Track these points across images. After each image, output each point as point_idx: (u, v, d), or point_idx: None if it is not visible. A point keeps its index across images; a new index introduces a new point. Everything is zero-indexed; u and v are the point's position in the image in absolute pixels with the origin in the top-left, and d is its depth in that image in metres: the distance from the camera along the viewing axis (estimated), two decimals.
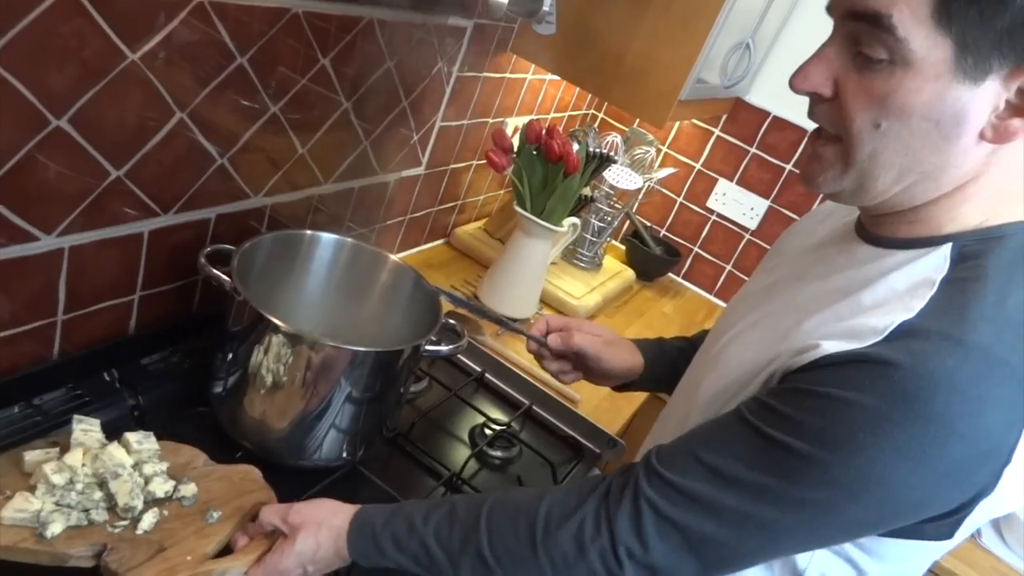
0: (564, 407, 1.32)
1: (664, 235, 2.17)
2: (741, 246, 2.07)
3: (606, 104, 2.13)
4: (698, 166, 2.06)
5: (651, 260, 2.06)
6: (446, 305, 1.05)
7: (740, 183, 2.02)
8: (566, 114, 1.97)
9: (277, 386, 0.90)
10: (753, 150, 1.98)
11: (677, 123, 2.05)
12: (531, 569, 0.70)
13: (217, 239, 1.02)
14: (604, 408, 1.42)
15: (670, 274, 2.16)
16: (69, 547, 0.73)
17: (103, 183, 0.85)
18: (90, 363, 0.95)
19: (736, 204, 2.04)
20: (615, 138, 1.89)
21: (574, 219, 1.52)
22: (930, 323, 0.59)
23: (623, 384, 1.08)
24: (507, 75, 1.57)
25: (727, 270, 2.11)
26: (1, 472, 0.77)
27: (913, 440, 0.55)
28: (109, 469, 0.79)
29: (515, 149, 1.45)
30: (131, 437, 0.84)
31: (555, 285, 1.72)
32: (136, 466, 0.82)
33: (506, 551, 0.70)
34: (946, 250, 0.64)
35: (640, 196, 1.99)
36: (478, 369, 1.35)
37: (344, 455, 0.99)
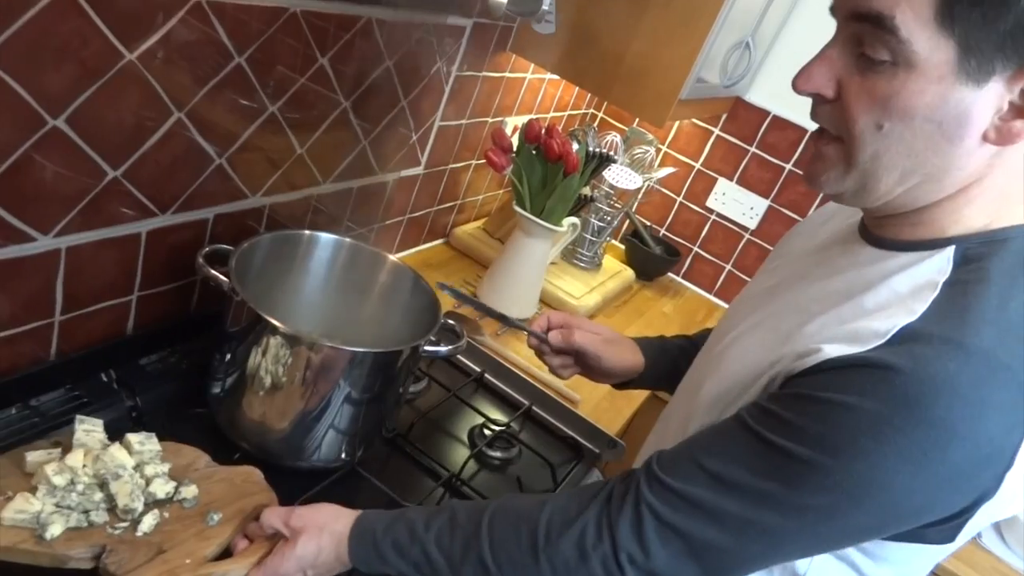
0: (564, 407, 1.32)
1: (664, 235, 2.16)
2: (741, 246, 2.07)
3: (606, 103, 2.13)
4: (698, 165, 2.06)
5: (651, 260, 2.06)
6: (445, 305, 1.05)
7: (740, 183, 2.02)
8: (565, 113, 1.96)
9: (276, 387, 0.90)
10: (753, 149, 1.97)
11: (677, 122, 2.04)
12: None
13: (215, 239, 1.02)
14: (604, 408, 1.42)
15: (670, 274, 2.16)
16: (69, 548, 0.73)
17: (100, 183, 0.84)
18: (88, 364, 0.95)
19: (736, 204, 2.03)
20: (615, 137, 1.89)
21: (574, 219, 1.51)
22: (932, 326, 0.58)
23: (623, 382, 1.07)
24: (506, 74, 1.57)
25: (727, 270, 2.11)
26: (3, 473, 0.77)
27: (915, 445, 0.55)
28: (110, 470, 0.79)
29: (514, 149, 1.44)
30: (133, 438, 0.84)
31: (555, 285, 1.71)
32: (138, 467, 0.82)
33: (508, 558, 0.70)
34: (949, 252, 0.63)
35: (640, 196, 1.99)
36: (477, 369, 1.34)
37: (343, 456, 0.98)
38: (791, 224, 1.96)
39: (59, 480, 0.76)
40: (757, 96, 1.93)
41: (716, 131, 2.01)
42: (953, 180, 0.62)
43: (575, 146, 1.44)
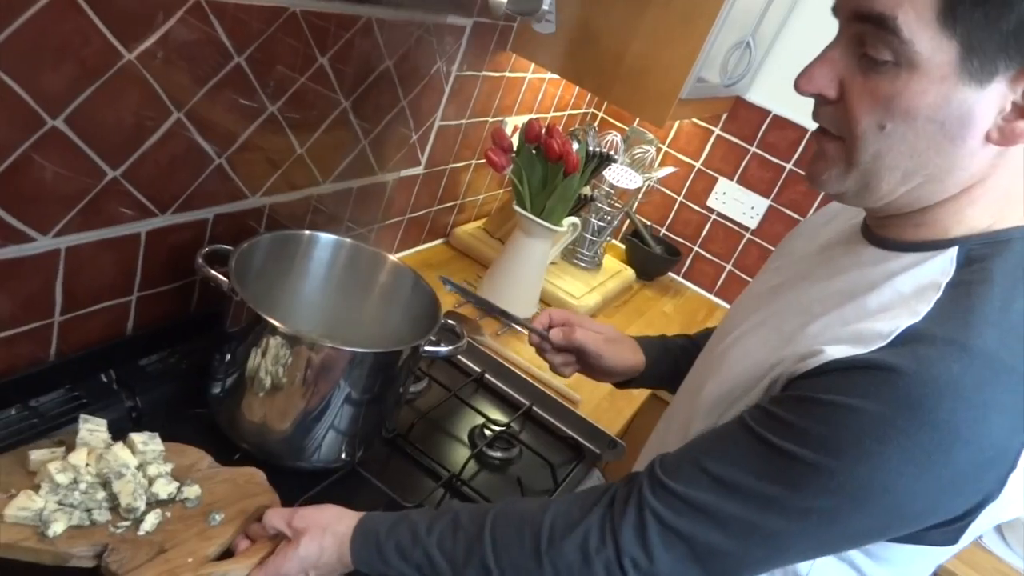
0: (564, 408, 1.32)
1: (664, 234, 2.16)
2: (741, 245, 2.06)
3: (606, 103, 2.12)
4: (698, 165, 2.06)
5: (651, 259, 2.06)
6: (445, 305, 1.05)
7: (740, 182, 2.01)
8: (566, 113, 1.96)
9: (276, 387, 0.90)
10: (753, 149, 1.97)
11: (677, 122, 2.04)
12: None
13: (215, 239, 1.02)
14: (604, 408, 1.42)
15: (670, 273, 2.16)
16: (70, 547, 0.73)
17: (100, 183, 0.84)
18: (87, 364, 0.95)
19: (736, 203, 2.03)
20: (615, 137, 1.89)
21: (574, 218, 1.51)
22: (935, 328, 0.58)
23: (624, 381, 1.07)
24: (506, 74, 1.56)
25: (727, 269, 2.10)
26: (6, 471, 0.77)
27: (918, 447, 0.55)
28: (113, 469, 0.79)
29: (514, 148, 1.44)
30: (136, 438, 0.84)
31: (555, 285, 1.71)
32: (140, 467, 0.82)
33: (510, 561, 0.70)
34: (952, 253, 0.63)
35: (640, 195, 1.99)
36: (478, 370, 1.34)
37: (343, 456, 0.98)
38: (792, 224, 1.98)
39: (62, 478, 0.76)
40: (757, 95, 1.93)
41: (716, 131, 2.01)
42: (956, 180, 0.62)
43: (575, 146, 1.44)
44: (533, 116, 1.77)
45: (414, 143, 1.39)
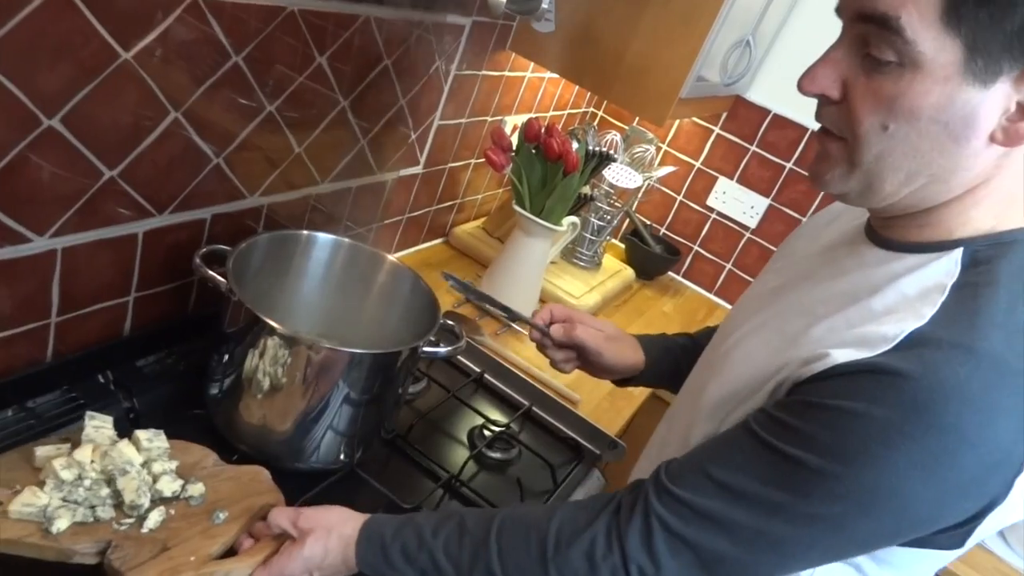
0: (564, 408, 1.32)
1: (664, 234, 2.16)
2: (741, 244, 2.06)
3: (605, 102, 2.12)
4: (698, 164, 2.05)
5: (651, 259, 2.05)
6: (444, 305, 1.04)
7: (740, 181, 2.01)
8: (565, 112, 1.96)
9: (274, 388, 0.89)
10: (753, 148, 1.97)
11: (677, 121, 2.04)
12: None
13: (213, 239, 1.01)
14: (604, 409, 1.41)
15: (670, 273, 2.15)
16: (74, 543, 0.73)
17: (96, 183, 0.83)
18: (84, 365, 0.94)
19: (736, 202, 2.03)
20: (615, 136, 1.88)
21: (573, 218, 1.51)
22: (941, 331, 0.58)
23: (624, 379, 1.07)
24: (506, 73, 1.56)
25: (727, 269, 2.10)
26: (12, 467, 0.77)
27: (926, 452, 0.55)
28: (118, 466, 0.79)
29: (514, 148, 1.44)
30: (141, 435, 0.84)
31: (554, 284, 1.71)
32: (145, 464, 0.82)
33: (516, 567, 0.70)
34: (957, 255, 0.63)
35: (640, 194, 1.98)
36: (477, 370, 1.34)
37: (342, 457, 0.98)
38: (792, 223, 1.97)
39: (67, 475, 0.76)
40: (757, 95, 1.93)
41: (716, 130, 2.00)
42: (960, 181, 0.61)
43: (575, 145, 1.43)
44: (532, 115, 1.77)
45: (413, 142, 1.39)
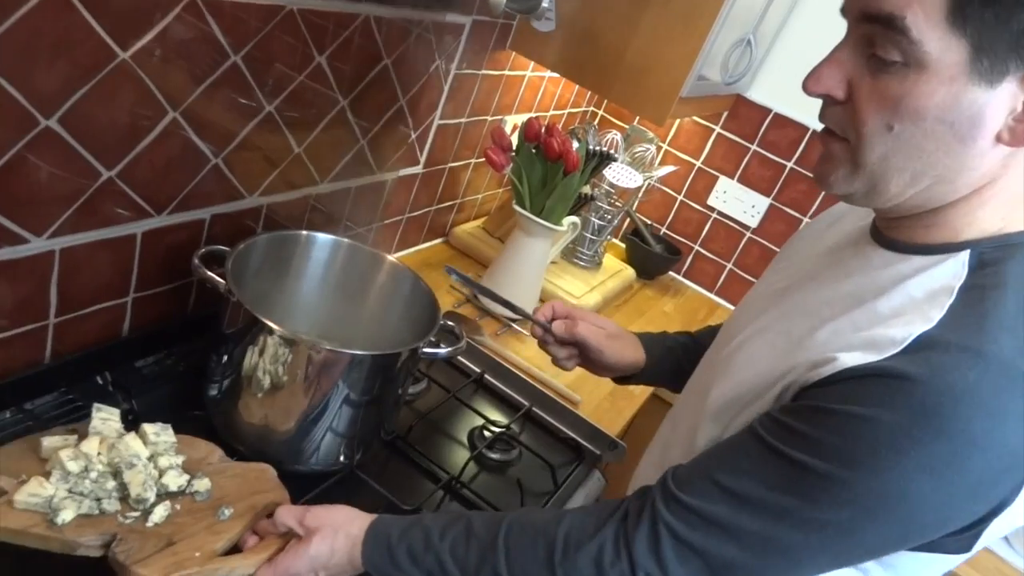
0: (564, 408, 1.31)
1: (664, 233, 2.15)
2: (742, 244, 2.06)
3: (606, 101, 2.12)
4: (699, 164, 2.05)
5: (651, 258, 2.05)
6: (444, 305, 1.04)
7: (741, 181, 2.01)
8: (565, 111, 1.95)
9: (273, 389, 0.89)
10: (754, 147, 1.96)
11: (677, 120, 2.03)
12: None
13: (212, 240, 1.01)
14: (605, 409, 1.41)
15: (671, 272, 2.15)
16: (79, 535, 0.73)
17: (95, 184, 0.83)
18: (83, 366, 0.94)
19: (737, 202, 2.02)
20: (615, 136, 1.88)
21: (574, 218, 1.50)
22: (949, 334, 0.57)
23: (624, 377, 1.07)
24: (506, 72, 1.55)
25: (728, 268, 2.10)
26: (18, 457, 0.77)
27: (935, 456, 0.55)
28: (124, 459, 0.79)
29: (514, 147, 1.43)
30: (149, 428, 0.83)
31: (555, 284, 1.70)
32: (152, 458, 0.81)
33: (523, 572, 0.70)
34: (964, 256, 0.62)
35: (640, 194, 1.98)
36: (477, 370, 1.33)
37: (342, 459, 0.97)
38: (793, 222, 1.97)
39: (73, 466, 0.75)
40: (758, 94, 1.92)
41: (717, 129, 2.00)
42: (966, 181, 0.61)
43: (575, 144, 1.43)
44: (533, 115, 1.76)
45: (413, 142, 1.38)
